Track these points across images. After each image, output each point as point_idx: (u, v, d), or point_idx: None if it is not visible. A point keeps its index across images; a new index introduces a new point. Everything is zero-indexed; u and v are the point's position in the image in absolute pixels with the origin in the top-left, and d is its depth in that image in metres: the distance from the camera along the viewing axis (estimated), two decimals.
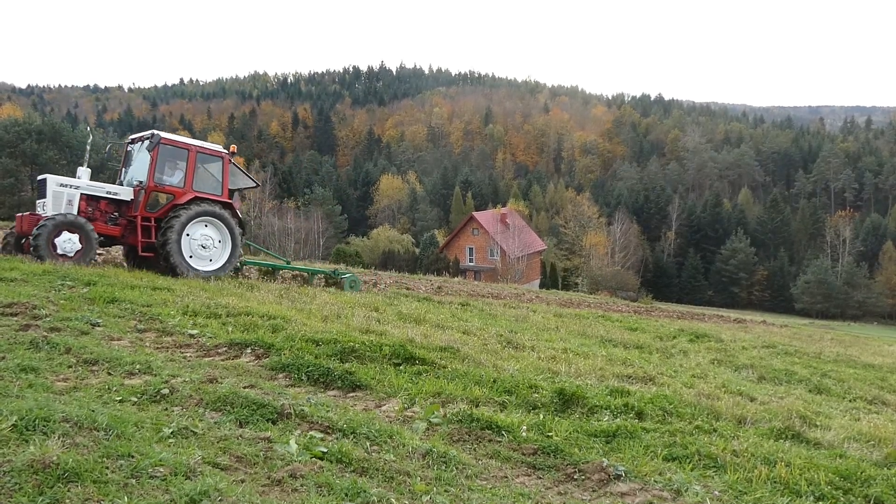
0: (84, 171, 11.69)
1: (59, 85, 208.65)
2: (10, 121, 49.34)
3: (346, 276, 14.67)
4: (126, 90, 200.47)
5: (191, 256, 11.55)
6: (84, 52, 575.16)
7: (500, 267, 57.37)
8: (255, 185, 14.25)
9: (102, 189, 11.58)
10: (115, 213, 11.70)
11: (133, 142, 12.46)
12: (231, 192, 12.84)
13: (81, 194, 11.25)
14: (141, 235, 11.34)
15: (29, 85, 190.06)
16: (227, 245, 12.08)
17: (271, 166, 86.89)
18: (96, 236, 10.85)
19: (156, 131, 12.01)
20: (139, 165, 12.03)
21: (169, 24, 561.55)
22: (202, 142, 12.73)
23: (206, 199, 11.93)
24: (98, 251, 11.87)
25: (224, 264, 12.01)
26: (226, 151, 12.54)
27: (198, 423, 3.64)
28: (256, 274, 14.65)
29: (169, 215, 11.46)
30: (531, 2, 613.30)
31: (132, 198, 11.74)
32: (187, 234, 11.50)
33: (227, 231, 12.02)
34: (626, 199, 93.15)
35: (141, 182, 11.68)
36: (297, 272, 15.18)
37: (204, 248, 11.76)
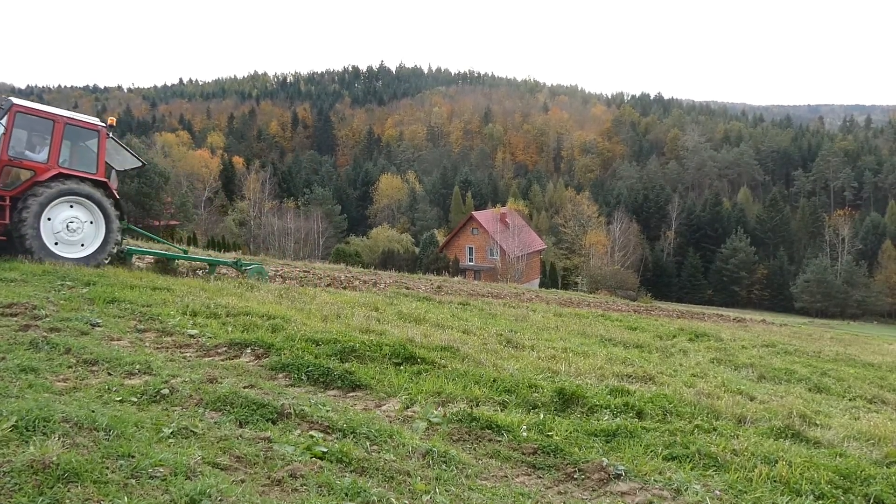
0: None
1: (59, 85, 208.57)
2: None
3: (251, 266, 13.69)
4: (125, 90, 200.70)
5: (56, 244, 10.31)
6: (84, 52, 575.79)
7: (499, 266, 57.34)
8: (141, 164, 13.23)
9: None
10: None
11: None
12: (109, 171, 11.56)
13: None
14: None
15: (28, 85, 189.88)
16: (100, 228, 10.79)
17: (271, 166, 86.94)
18: None
19: (11, 98, 10.62)
20: None
21: (168, 24, 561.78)
22: (75, 113, 11.28)
23: (73, 177, 10.54)
24: None
25: (97, 250, 10.73)
26: (102, 124, 11.30)
27: (198, 423, 3.63)
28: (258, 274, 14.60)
29: (26, 194, 10.06)
30: (531, 2, 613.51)
31: None
32: (48, 218, 10.20)
33: (99, 213, 10.74)
34: (625, 198, 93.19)
35: None
36: (198, 263, 13.81)
37: (72, 232, 10.44)
